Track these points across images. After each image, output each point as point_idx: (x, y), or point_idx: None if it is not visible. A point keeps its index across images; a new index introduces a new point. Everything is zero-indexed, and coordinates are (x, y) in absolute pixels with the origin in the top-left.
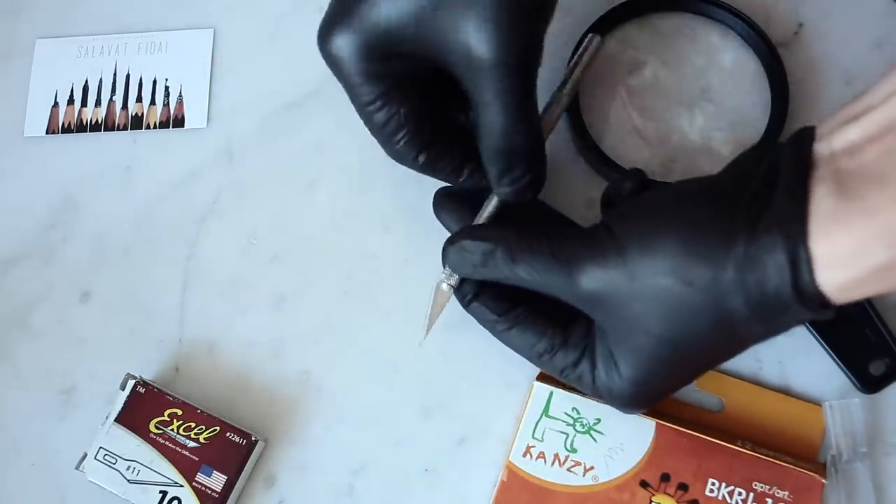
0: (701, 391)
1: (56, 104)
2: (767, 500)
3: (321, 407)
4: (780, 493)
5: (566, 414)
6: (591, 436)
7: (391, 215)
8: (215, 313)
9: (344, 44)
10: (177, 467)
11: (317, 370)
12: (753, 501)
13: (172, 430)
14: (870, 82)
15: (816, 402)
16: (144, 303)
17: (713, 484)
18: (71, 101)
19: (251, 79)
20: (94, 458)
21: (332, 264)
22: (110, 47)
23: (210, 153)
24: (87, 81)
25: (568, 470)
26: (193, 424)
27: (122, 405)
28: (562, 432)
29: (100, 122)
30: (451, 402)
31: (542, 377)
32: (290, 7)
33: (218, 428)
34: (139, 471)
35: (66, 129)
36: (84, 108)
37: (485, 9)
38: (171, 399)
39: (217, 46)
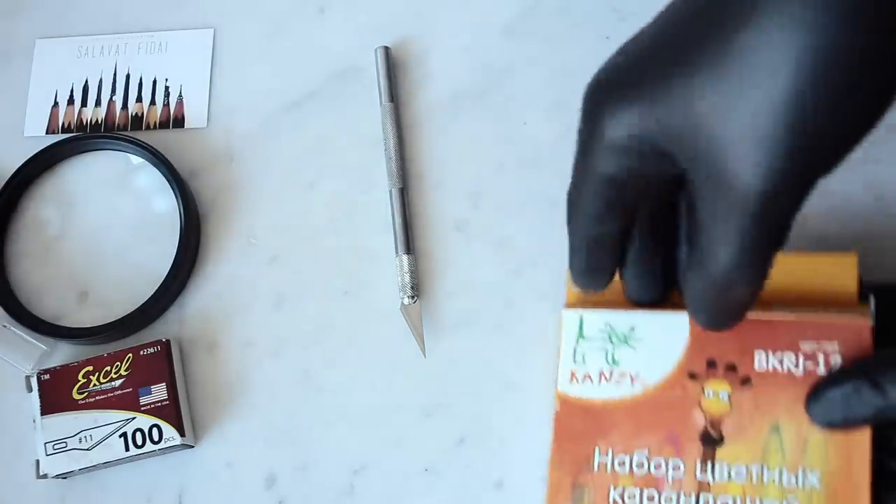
0: None
1: (56, 104)
2: (819, 355)
3: (321, 407)
4: (830, 347)
5: (600, 331)
6: (628, 345)
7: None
8: (215, 313)
9: (628, 121)
10: (119, 408)
11: (317, 370)
12: (806, 360)
13: (95, 385)
14: None
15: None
16: (143, 303)
17: (760, 356)
18: (71, 101)
19: (251, 79)
20: (46, 455)
21: (332, 264)
22: (110, 47)
23: (210, 153)
24: (87, 81)
25: (616, 383)
26: (109, 368)
27: (38, 400)
28: (601, 349)
29: (100, 122)
30: (451, 402)
31: (569, 304)
32: (290, 7)
33: (130, 354)
34: (91, 435)
35: (66, 129)
36: (84, 108)
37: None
38: (76, 364)
39: (217, 46)
